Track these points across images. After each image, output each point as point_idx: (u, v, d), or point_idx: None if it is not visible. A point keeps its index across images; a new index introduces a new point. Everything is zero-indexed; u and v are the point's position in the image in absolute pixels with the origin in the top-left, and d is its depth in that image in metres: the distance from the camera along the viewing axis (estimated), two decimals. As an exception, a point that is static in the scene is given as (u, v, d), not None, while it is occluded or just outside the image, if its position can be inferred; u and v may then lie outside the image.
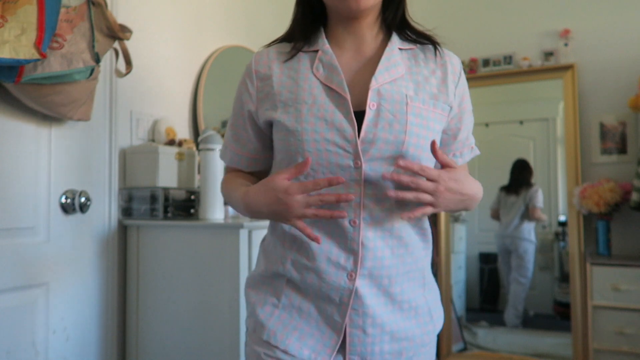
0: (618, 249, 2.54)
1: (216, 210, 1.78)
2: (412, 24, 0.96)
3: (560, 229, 2.98)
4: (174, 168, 1.84)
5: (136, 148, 1.84)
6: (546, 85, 2.83)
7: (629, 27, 2.61)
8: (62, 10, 1.44)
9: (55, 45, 1.40)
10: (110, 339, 1.77)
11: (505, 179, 3.09)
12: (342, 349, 0.88)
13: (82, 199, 1.65)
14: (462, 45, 2.89)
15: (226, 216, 1.92)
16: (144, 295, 1.77)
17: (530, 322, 3.04)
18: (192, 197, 1.90)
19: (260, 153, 1.01)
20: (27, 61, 1.28)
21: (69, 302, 1.64)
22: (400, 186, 0.85)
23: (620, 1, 2.64)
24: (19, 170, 1.50)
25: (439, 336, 1.76)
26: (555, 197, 2.98)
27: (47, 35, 1.32)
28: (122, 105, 1.85)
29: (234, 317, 1.57)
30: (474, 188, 0.90)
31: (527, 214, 3.01)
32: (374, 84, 0.87)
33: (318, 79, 0.89)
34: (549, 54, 2.75)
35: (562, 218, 2.95)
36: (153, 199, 1.78)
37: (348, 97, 0.86)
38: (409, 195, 0.82)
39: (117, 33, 1.57)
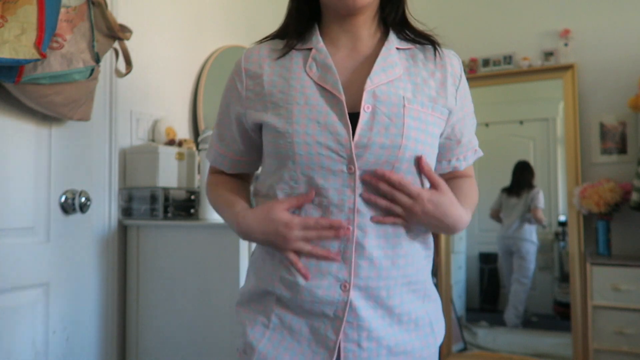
0: (618, 249, 2.53)
1: (216, 210, 1.78)
2: (413, 23, 0.92)
3: (560, 229, 2.98)
4: (174, 168, 1.84)
5: (136, 148, 1.84)
6: (546, 85, 2.82)
7: (629, 27, 2.61)
8: (62, 10, 1.44)
9: (55, 45, 1.40)
10: (110, 339, 1.77)
11: (504, 179, 3.09)
12: None
13: (82, 199, 1.65)
14: (462, 45, 2.89)
15: (226, 216, 1.91)
16: (144, 295, 1.77)
17: (530, 322, 3.04)
18: (192, 197, 1.90)
19: (244, 155, 0.97)
20: (27, 61, 1.28)
21: (69, 302, 1.64)
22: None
23: (620, 1, 2.64)
24: (18, 170, 1.50)
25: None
26: (555, 197, 2.97)
27: (47, 35, 1.32)
28: (122, 105, 1.85)
29: (233, 317, 1.56)
30: (456, 215, 0.84)
31: (529, 215, 3.01)
32: (369, 85, 0.82)
33: (311, 78, 0.85)
34: (549, 54, 2.74)
35: (562, 218, 2.95)
36: (153, 199, 1.78)
37: (343, 98, 0.82)
38: (383, 202, 0.81)
39: (117, 33, 1.57)
